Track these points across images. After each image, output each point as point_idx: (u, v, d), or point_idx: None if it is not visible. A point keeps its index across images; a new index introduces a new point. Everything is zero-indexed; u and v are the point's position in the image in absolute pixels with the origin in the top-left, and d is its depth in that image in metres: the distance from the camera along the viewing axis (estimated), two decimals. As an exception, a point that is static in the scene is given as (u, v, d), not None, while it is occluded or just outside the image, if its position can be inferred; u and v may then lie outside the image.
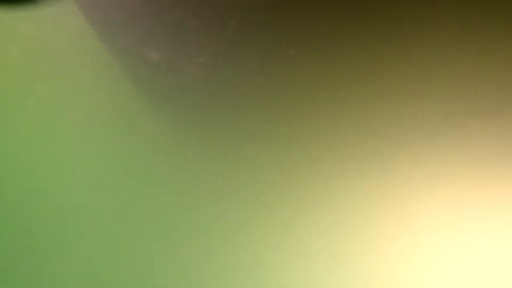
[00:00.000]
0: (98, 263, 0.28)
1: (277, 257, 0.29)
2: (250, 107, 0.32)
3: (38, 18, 0.33)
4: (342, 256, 0.29)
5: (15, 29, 0.32)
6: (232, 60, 0.33)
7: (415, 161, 0.31)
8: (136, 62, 0.32)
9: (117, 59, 0.32)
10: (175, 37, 0.32)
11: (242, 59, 0.33)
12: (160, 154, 0.31)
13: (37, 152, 0.30)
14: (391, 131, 0.31)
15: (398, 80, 0.33)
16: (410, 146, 0.31)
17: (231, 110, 0.32)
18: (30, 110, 0.31)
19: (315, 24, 0.34)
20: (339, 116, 0.32)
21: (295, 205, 0.30)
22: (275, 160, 0.31)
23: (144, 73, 0.32)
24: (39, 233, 0.29)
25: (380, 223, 0.30)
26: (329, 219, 0.30)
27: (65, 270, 0.28)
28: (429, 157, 0.31)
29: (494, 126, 0.32)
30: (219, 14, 0.33)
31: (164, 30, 0.33)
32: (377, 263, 0.29)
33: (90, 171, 0.30)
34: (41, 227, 0.29)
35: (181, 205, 0.30)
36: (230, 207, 0.30)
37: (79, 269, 0.28)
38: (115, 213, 0.29)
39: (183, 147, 0.31)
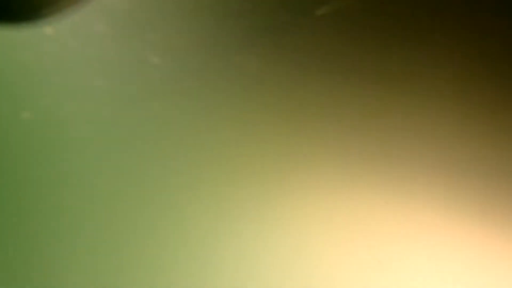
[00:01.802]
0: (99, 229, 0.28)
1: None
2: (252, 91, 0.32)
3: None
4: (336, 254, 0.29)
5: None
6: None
7: (414, 161, 0.31)
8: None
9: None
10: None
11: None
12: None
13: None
14: (391, 132, 0.32)
15: (400, 80, 0.33)
16: (409, 147, 0.31)
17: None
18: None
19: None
20: (340, 114, 0.32)
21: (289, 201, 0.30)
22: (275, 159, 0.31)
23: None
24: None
25: (378, 221, 0.30)
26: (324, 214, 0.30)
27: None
28: (429, 158, 0.31)
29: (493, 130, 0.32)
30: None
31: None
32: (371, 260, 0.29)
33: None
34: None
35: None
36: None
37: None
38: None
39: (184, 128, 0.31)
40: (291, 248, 0.29)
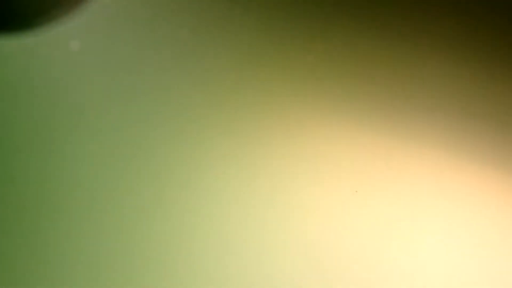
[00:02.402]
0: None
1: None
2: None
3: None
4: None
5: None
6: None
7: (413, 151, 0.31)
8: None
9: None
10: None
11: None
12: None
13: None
14: (395, 77, 0.32)
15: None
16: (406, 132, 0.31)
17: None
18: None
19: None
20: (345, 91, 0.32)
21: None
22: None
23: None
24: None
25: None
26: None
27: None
28: (430, 101, 0.31)
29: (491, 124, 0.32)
30: None
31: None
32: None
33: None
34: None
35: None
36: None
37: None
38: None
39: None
40: (294, 190, 0.29)
